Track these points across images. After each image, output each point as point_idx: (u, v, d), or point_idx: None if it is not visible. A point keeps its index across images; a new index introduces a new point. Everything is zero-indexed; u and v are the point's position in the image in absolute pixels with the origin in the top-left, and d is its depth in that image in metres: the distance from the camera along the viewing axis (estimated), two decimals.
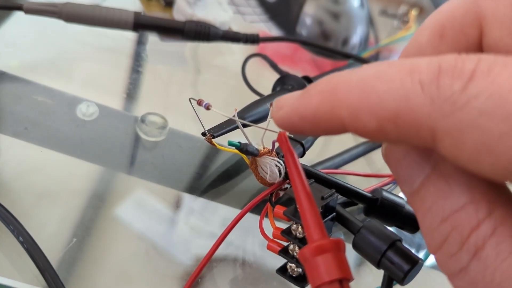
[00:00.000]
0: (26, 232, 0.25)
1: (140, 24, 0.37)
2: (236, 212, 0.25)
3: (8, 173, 0.29)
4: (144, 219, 0.29)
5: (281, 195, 0.25)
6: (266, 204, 0.25)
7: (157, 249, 0.28)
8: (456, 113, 0.12)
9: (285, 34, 0.47)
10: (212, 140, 0.25)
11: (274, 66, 0.39)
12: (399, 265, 0.21)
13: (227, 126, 0.26)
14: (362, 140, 0.35)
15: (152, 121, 0.33)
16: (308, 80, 0.34)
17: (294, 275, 0.23)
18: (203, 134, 0.25)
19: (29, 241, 0.25)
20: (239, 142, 0.23)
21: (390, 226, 0.27)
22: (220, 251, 0.25)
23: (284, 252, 0.23)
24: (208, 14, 0.41)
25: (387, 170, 0.34)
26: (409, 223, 0.27)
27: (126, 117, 0.35)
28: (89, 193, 0.29)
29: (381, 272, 0.23)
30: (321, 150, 0.35)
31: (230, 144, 0.23)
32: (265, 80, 0.38)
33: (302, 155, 0.29)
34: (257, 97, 0.33)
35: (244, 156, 0.25)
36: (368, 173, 0.34)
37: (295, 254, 0.22)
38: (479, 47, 0.16)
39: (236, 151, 0.24)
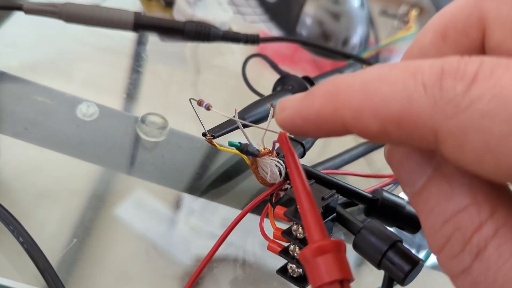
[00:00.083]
0: (26, 233, 0.25)
1: (140, 24, 0.37)
2: (236, 212, 0.25)
3: (8, 173, 0.29)
4: (144, 219, 0.29)
5: (281, 195, 0.25)
6: (266, 204, 0.25)
7: (157, 249, 0.28)
8: (459, 115, 0.12)
9: (285, 34, 0.47)
10: (213, 140, 0.25)
11: (274, 66, 0.39)
12: (399, 266, 0.21)
13: (227, 127, 0.26)
14: (362, 140, 0.35)
15: (152, 121, 0.33)
16: (308, 80, 0.34)
17: (294, 276, 0.23)
18: (204, 134, 0.25)
19: (29, 241, 0.25)
20: (239, 143, 0.23)
21: (391, 226, 0.27)
22: (221, 251, 0.25)
23: (284, 252, 0.23)
24: (208, 14, 0.41)
25: (387, 171, 0.34)
26: (410, 223, 0.27)
27: (126, 117, 0.35)
28: (89, 193, 0.29)
29: (381, 273, 0.23)
30: (322, 150, 0.35)
31: (231, 144, 0.23)
32: (265, 80, 0.38)
33: (302, 155, 0.29)
34: (257, 97, 0.33)
35: (244, 156, 0.25)
36: (368, 173, 0.34)
37: (295, 254, 0.22)
38: (481, 48, 0.16)
39: (237, 151, 0.24)
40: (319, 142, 0.32)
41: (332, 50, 0.45)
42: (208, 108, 0.23)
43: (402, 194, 0.30)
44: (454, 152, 0.13)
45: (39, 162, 0.30)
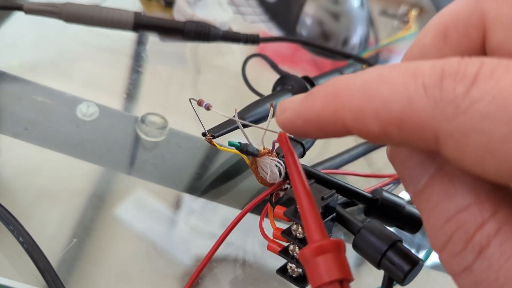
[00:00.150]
0: (26, 232, 0.25)
1: (140, 24, 0.37)
2: (236, 212, 0.25)
3: (8, 173, 0.29)
4: (144, 219, 0.29)
5: (281, 195, 0.25)
6: (266, 204, 0.25)
7: (157, 249, 0.28)
8: (459, 116, 0.12)
9: (285, 34, 0.47)
10: (212, 140, 0.25)
11: (274, 66, 0.39)
12: (399, 266, 0.22)
13: (227, 126, 0.26)
14: (362, 140, 0.35)
15: (152, 121, 0.33)
16: (308, 80, 0.34)
17: (294, 276, 0.23)
18: (203, 134, 0.25)
19: (29, 241, 0.25)
20: (239, 143, 0.23)
21: (390, 226, 0.27)
22: (220, 251, 0.25)
23: (284, 252, 0.23)
24: (208, 14, 0.41)
25: (387, 171, 0.34)
26: (410, 223, 0.27)
27: (126, 117, 0.35)
28: (89, 193, 0.29)
29: (381, 273, 0.23)
30: (321, 150, 0.35)
31: (230, 144, 0.23)
32: (265, 80, 0.38)
33: (302, 155, 0.29)
34: (257, 97, 0.33)
35: (244, 156, 0.25)
36: (368, 173, 0.34)
37: (295, 254, 0.22)
38: (482, 49, 0.16)
39: (236, 151, 0.24)
40: (319, 142, 0.32)
41: (332, 50, 0.45)
42: (208, 108, 0.23)
43: (402, 194, 0.30)
44: (454, 153, 0.13)
45: (39, 162, 0.30)
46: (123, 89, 0.37)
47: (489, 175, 0.12)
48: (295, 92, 0.33)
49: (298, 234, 0.22)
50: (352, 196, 0.26)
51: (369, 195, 0.27)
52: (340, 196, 0.25)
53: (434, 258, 0.31)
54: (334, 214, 0.24)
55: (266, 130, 0.23)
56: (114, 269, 0.27)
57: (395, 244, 0.22)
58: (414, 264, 0.21)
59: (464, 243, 0.14)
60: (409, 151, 0.16)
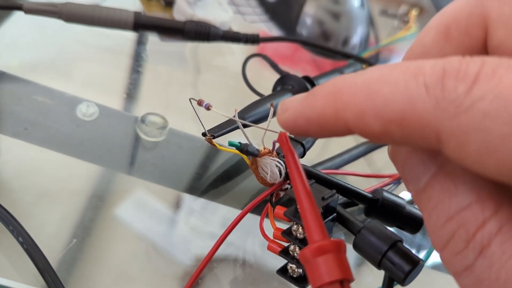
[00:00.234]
0: (25, 233, 0.25)
1: (140, 24, 0.37)
2: (236, 212, 0.25)
3: (8, 173, 0.29)
4: (144, 219, 0.29)
5: (281, 195, 0.25)
6: (266, 204, 0.25)
7: (157, 249, 0.28)
8: (461, 116, 0.12)
9: (285, 34, 0.47)
10: (213, 140, 0.25)
11: (274, 66, 0.39)
12: (400, 266, 0.21)
13: (227, 126, 0.26)
14: (362, 140, 0.35)
15: (152, 121, 0.33)
16: (308, 80, 0.34)
17: (294, 276, 0.23)
18: (204, 134, 0.25)
19: (29, 241, 0.25)
20: (239, 143, 0.23)
21: (391, 226, 0.27)
22: (221, 251, 0.25)
23: (284, 252, 0.23)
24: (208, 14, 0.41)
25: (387, 171, 0.34)
26: (410, 223, 0.27)
27: (126, 117, 0.35)
28: (89, 193, 0.29)
29: (381, 273, 0.23)
30: (322, 150, 0.35)
31: (231, 144, 0.23)
32: (265, 80, 0.38)
33: (302, 155, 0.29)
34: (257, 97, 0.33)
35: (244, 156, 0.25)
36: (368, 173, 0.34)
37: (295, 254, 0.22)
38: (484, 47, 0.16)
39: (237, 151, 0.24)
40: (319, 142, 0.32)
41: (332, 50, 0.45)
42: (208, 108, 0.23)
43: (403, 194, 0.30)
44: (456, 152, 0.13)
45: (39, 162, 0.30)
46: (123, 89, 0.37)
47: (490, 174, 0.12)
48: (295, 92, 0.33)
49: (298, 234, 0.22)
50: (352, 196, 0.26)
51: (370, 195, 0.27)
52: (340, 196, 0.25)
53: (434, 258, 0.31)
54: (335, 214, 0.24)
55: (266, 130, 0.23)
56: (114, 269, 0.27)
57: (395, 244, 0.22)
58: (415, 264, 0.21)
59: (466, 242, 0.14)
60: (410, 150, 0.16)
